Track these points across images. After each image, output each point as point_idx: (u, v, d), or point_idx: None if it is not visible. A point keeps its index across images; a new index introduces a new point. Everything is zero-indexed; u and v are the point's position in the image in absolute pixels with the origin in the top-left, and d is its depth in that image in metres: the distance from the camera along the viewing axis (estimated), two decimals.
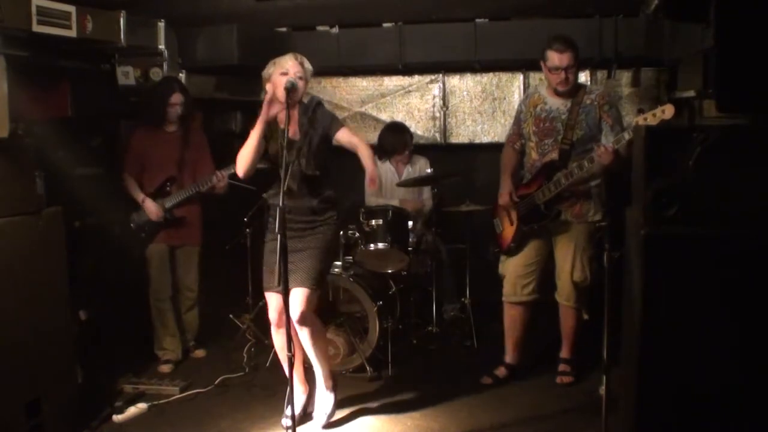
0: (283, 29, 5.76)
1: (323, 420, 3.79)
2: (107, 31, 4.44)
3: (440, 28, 5.52)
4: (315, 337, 3.67)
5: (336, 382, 3.89)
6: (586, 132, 4.03)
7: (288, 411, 3.33)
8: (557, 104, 4.09)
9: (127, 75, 5.03)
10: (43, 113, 4.27)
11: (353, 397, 4.11)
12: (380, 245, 4.57)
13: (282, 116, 3.53)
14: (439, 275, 5.19)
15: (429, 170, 5.27)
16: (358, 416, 3.92)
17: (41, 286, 3.53)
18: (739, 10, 2.53)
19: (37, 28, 3.82)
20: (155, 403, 4.10)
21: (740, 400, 2.56)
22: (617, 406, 3.19)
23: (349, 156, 3.67)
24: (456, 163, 5.84)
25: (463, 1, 5.02)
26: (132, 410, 3.97)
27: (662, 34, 5.01)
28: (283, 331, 3.58)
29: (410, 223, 4.82)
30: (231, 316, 5.13)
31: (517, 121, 4.29)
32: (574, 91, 4.05)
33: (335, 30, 5.68)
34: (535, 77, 5.69)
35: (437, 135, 5.96)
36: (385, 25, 5.63)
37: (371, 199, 5.21)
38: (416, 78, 5.94)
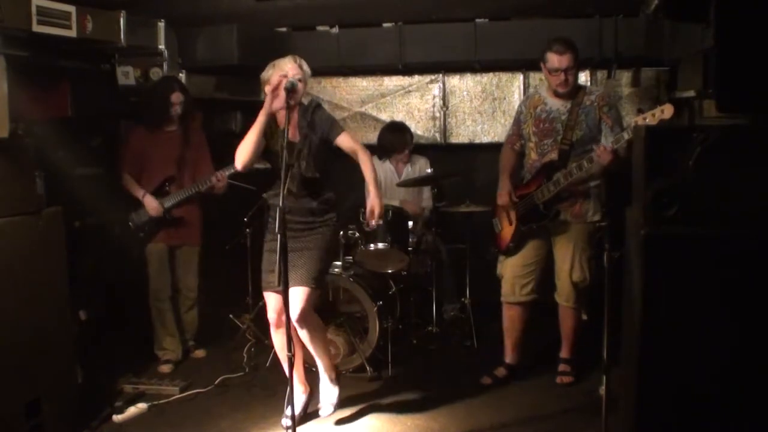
0: (283, 29, 5.76)
1: (330, 410, 3.84)
2: (107, 31, 4.45)
3: (440, 28, 5.52)
4: (315, 334, 3.70)
5: (339, 373, 3.94)
6: (586, 133, 4.03)
7: (288, 411, 3.33)
8: (557, 105, 4.09)
9: (127, 75, 5.03)
10: (43, 113, 4.27)
11: (353, 397, 4.11)
12: (380, 245, 4.58)
13: (282, 117, 3.54)
14: (439, 275, 5.19)
15: (429, 170, 5.27)
16: (358, 416, 3.93)
17: (41, 286, 3.53)
18: (739, 10, 2.52)
19: (37, 28, 3.82)
20: (155, 403, 4.10)
21: (740, 400, 2.56)
22: (617, 406, 3.19)
23: (349, 156, 3.68)
24: (456, 163, 5.84)
25: (463, 1, 5.03)
26: (132, 410, 3.97)
27: (662, 34, 5.01)
28: (282, 331, 3.59)
29: (410, 223, 4.82)
30: (231, 316, 5.13)
31: (517, 122, 4.29)
32: (574, 92, 4.06)
33: (335, 30, 5.68)
34: (535, 77, 5.69)
35: (437, 135, 5.96)
36: (385, 25, 5.63)
37: None
38: (416, 78, 5.94)
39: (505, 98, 5.84)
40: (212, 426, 3.85)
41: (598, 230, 4.07)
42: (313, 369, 4.13)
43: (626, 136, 3.71)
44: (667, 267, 2.58)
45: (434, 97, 5.95)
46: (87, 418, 3.85)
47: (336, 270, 4.55)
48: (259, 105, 3.54)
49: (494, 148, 4.74)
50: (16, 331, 3.34)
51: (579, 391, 4.16)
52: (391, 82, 5.99)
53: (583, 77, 5.53)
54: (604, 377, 3.24)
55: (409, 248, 4.75)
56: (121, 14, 4.54)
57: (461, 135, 5.93)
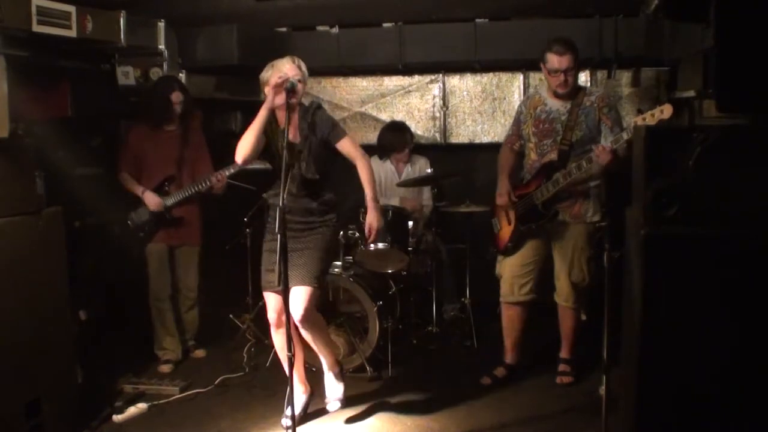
0: (283, 29, 5.77)
1: (337, 406, 3.88)
2: (107, 31, 4.45)
3: (440, 28, 5.52)
4: (319, 332, 3.72)
5: (342, 368, 3.97)
6: (586, 133, 4.03)
7: (288, 411, 3.33)
8: (557, 105, 4.09)
9: (127, 75, 5.03)
10: (43, 113, 4.27)
11: (353, 397, 4.10)
12: (380, 245, 4.57)
13: (282, 117, 3.54)
14: (439, 275, 5.19)
15: (429, 170, 5.27)
16: (358, 416, 3.92)
17: (41, 286, 3.53)
18: (739, 10, 2.53)
19: (37, 28, 3.82)
20: (155, 403, 4.09)
21: (740, 400, 2.56)
22: (617, 406, 3.19)
23: None
24: (456, 163, 5.84)
25: (463, 1, 5.03)
26: (132, 410, 3.97)
27: (662, 34, 5.01)
28: (282, 331, 3.59)
29: (410, 223, 4.82)
30: (231, 316, 5.13)
31: (517, 122, 4.29)
32: (573, 93, 4.06)
33: (335, 30, 5.69)
34: (535, 77, 5.69)
35: (437, 135, 5.96)
36: (385, 25, 5.63)
37: None
38: (416, 78, 5.94)
39: (505, 98, 5.84)
40: (212, 426, 3.85)
41: (598, 230, 4.07)
42: (314, 369, 4.14)
43: (625, 136, 3.71)
44: (667, 267, 2.58)
45: (434, 97, 5.95)
46: (87, 418, 3.85)
47: (336, 270, 4.54)
48: (259, 105, 3.54)
49: (494, 148, 4.73)
50: (16, 331, 3.34)
51: (579, 391, 4.16)
52: (391, 82, 5.99)
53: (583, 77, 5.53)
54: (604, 377, 3.24)
55: (409, 248, 4.74)
56: (121, 14, 4.55)
57: (461, 135, 5.94)
